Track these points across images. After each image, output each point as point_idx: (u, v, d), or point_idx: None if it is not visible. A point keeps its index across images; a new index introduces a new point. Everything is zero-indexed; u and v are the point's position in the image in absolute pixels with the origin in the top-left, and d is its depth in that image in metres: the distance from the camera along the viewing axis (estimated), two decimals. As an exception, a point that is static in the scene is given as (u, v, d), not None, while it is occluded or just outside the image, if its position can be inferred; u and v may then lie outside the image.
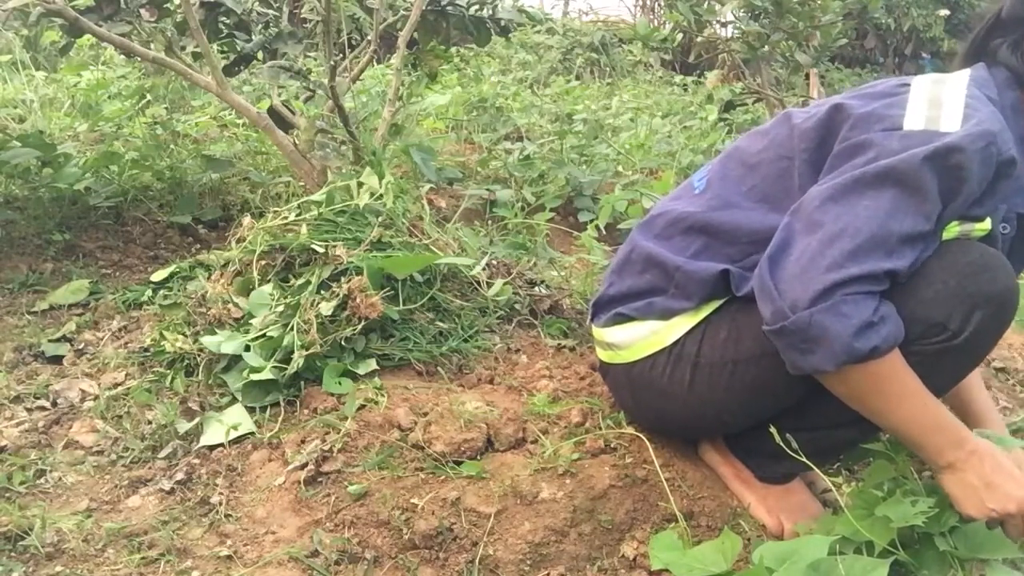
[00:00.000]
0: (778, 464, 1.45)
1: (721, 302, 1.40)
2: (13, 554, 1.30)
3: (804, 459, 1.26)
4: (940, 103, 1.26)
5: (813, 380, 1.28)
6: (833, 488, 1.39)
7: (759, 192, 1.40)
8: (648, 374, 1.46)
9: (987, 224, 1.28)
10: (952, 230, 1.27)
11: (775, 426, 1.34)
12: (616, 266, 1.54)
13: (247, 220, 2.04)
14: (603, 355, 1.58)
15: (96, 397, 1.69)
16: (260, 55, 2.72)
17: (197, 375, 1.72)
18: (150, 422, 1.62)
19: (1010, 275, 1.25)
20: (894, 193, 1.20)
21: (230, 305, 1.82)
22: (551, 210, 2.80)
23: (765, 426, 1.35)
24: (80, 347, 1.88)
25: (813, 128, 1.35)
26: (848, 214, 1.20)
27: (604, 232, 2.61)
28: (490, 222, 2.75)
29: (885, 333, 1.18)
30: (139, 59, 2.99)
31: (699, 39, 4.14)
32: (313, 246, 1.86)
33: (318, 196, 2.02)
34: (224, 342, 1.71)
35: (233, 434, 1.58)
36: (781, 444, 1.27)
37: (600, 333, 1.55)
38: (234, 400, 1.66)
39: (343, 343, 1.72)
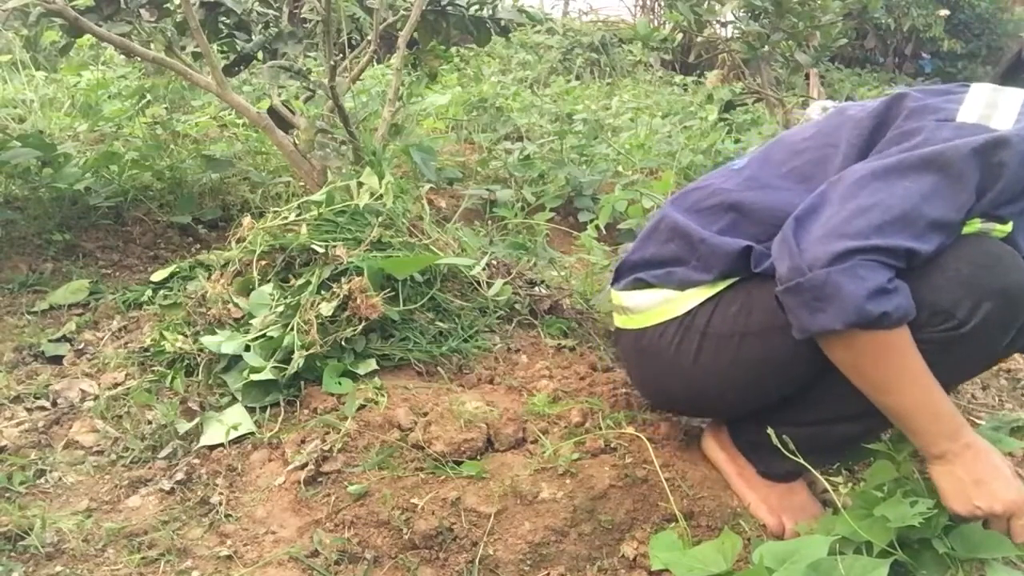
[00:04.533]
0: (781, 461, 1.44)
1: (738, 279, 1.41)
2: (13, 554, 1.30)
3: (802, 460, 1.26)
4: (996, 105, 1.29)
5: (816, 365, 1.29)
6: (833, 489, 1.38)
7: (797, 173, 1.41)
8: (657, 342, 1.47)
9: (1008, 227, 1.28)
10: (973, 226, 1.27)
11: (777, 419, 1.36)
12: (644, 233, 1.57)
13: (247, 220, 2.04)
14: (618, 320, 1.59)
15: (96, 397, 1.69)
16: (260, 55, 2.72)
17: (197, 375, 1.72)
18: (150, 422, 1.62)
19: (1023, 274, 1.24)
20: (935, 178, 1.22)
21: (230, 305, 1.82)
22: (551, 210, 2.80)
23: (768, 418, 1.36)
24: (80, 347, 1.88)
25: (868, 116, 1.38)
26: (884, 191, 1.22)
27: (604, 232, 2.61)
28: (490, 222, 2.75)
29: (897, 302, 1.19)
30: (139, 59, 2.99)
31: (699, 39, 4.14)
32: (313, 246, 1.86)
33: (318, 196, 2.02)
34: (224, 342, 1.71)
35: (233, 434, 1.58)
36: (779, 445, 1.27)
37: (617, 296, 1.57)
38: (234, 400, 1.66)
39: (343, 343, 1.72)
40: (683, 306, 1.44)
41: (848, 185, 1.26)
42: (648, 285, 1.49)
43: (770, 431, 1.29)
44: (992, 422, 1.60)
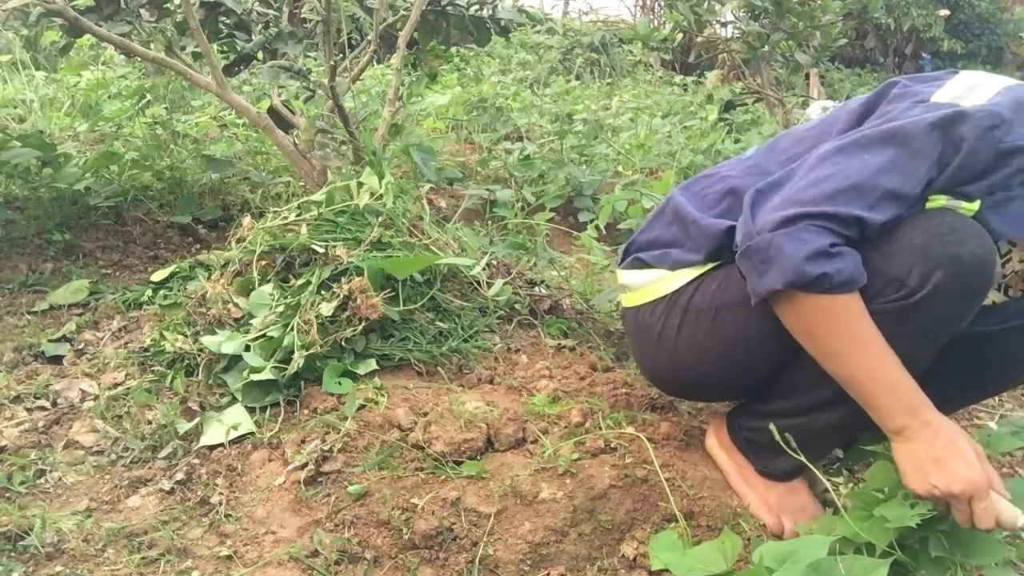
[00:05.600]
0: (779, 459, 1.46)
1: (726, 260, 1.42)
2: (13, 554, 1.30)
3: (802, 457, 1.26)
4: (976, 87, 1.29)
5: (786, 341, 1.29)
6: (833, 488, 1.38)
7: (793, 161, 1.41)
8: (648, 319, 1.51)
9: (975, 205, 1.27)
10: (938, 202, 1.26)
11: (765, 412, 1.39)
12: (652, 215, 1.61)
13: (247, 220, 2.04)
14: (622, 298, 1.63)
15: (96, 397, 1.69)
16: (260, 55, 2.72)
17: (197, 375, 1.72)
18: (150, 422, 1.62)
19: (983, 245, 1.22)
20: (893, 151, 1.23)
21: (230, 305, 1.82)
22: (551, 210, 2.80)
23: (767, 415, 1.38)
24: (80, 347, 1.88)
25: (860, 105, 1.40)
26: (843, 163, 1.24)
27: (604, 232, 2.61)
28: (490, 222, 2.75)
29: (839, 266, 1.19)
30: (139, 59, 2.99)
31: (699, 39, 4.14)
32: (313, 246, 1.86)
33: (318, 196, 2.02)
34: (224, 342, 1.71)
35: (233, 434, 1.58)
36: (780, 440, 1.27)
37: (619, 274, 1.62)
38: (234, 400, 1.66)
39: (343, 343, 1.72)
40: (672, 285, 1.47)
41: (813, 160, 1.29)
42: (645, 265, 1.54)
43: (772, 427, 1.30)
44: (1008, 426, 1.60)
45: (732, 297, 1.38)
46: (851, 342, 1.24)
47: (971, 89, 1.29)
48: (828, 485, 1.38)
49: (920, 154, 1.22)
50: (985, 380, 1.56)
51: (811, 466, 1.32)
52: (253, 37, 2.70)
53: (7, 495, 1.43)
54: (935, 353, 1.31)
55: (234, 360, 1.71)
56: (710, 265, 1.44)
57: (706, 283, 1.43)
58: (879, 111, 1.35)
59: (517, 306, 2.08)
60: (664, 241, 1.52)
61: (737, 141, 4.22)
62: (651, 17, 9.57)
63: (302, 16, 2.92)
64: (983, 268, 1.23)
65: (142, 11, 2.52)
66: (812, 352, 1.28)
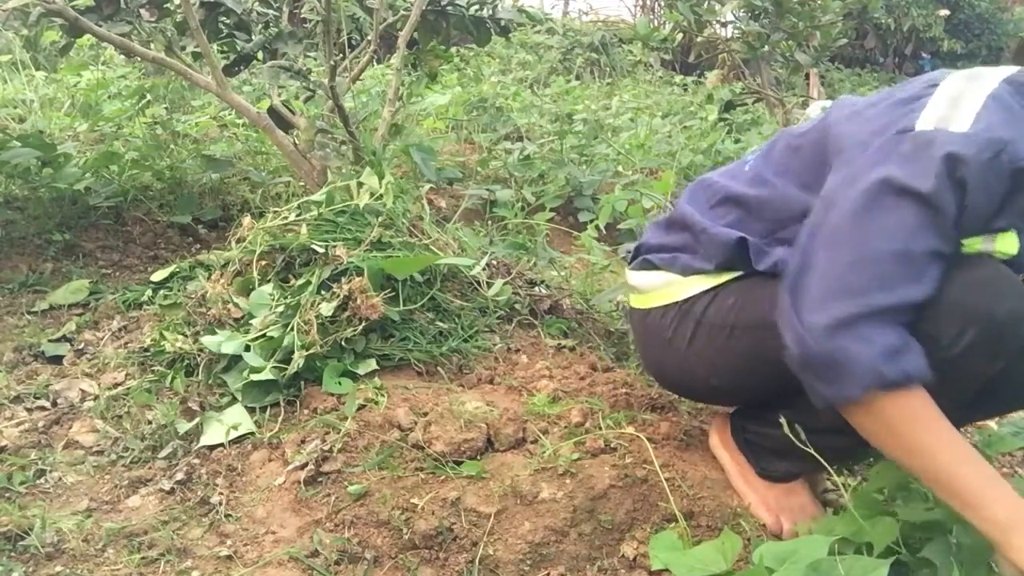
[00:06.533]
0: (779, 461, 1.46)
1: (740, 273, 1.41)
2: (13, 554, 1.30)
3: (808, 451, 1.25)
4: (960, 101, 1.20)
5: None
6: (836, 489, 1.38)
7: (795, 171, 1.39)
8: (658, 323, 1.51)
9: (1013, 237, 1.21)
10: (974, 246, 1.20)
11: (772, 418, 1.34)
12: (660, 221, 1.61)
13: (247, 220, 2.04)
14: (631, 299, 1.63)
15: (96, 397, 1.69)
16: (260, 55, 2.73)
17: (197, 375, 1.72)
18: (150, 422, 1.62)
19: (1018, 301, 1.15)
20: (914, 210, 1.14)
21: (230, 305, 1.82)
22: (551, 210, 2.81)
23: (769, 419, 1.36)
24: (80, 347, 1.88)
25: (846, 118, 1.31)
26: (867, 231, 1.16)
27: (604, 232, 2.61)
28: (490, 222, 2.75)
29: (916, 362, 1.12)
30: (139, 59, 2.99)
31: (699, 39, 4.15)
32: (313, 246, 1.86)
33: (318, 196, 2.02)
34: (224, 342, 1.71)
35: (233, 434, 1.58)
36: (787, 437, 1.26)
37: (628, 274, 1.62)
38: (234, 400, 1.66)
39: (343, 343, 1.72)
40: (684, 292, 1.46)
41: (830, 231, 1.20)
42: (654, 267, 1.54)
43: (782, 420, 1.27)
44: (1008, 426, 1.59)
45: (748, 318, 1.36)
46: (938, 435, 1.15)
47: (954, 106, 1.19)
48: (833, 485, 1.37)
49: (939, 209, 1.13)
50: (993, 404, 1.49)
51: (826, 466, 1.29)
52: (253, 37, 2.70)
53: (7, 495, 1.43)
54: (966, 400, 1.25)
55: (234, 360, 1.71)
56: (725, 276, 1.42)
57: (721, 297, 1.41)
58: (850, 143, 1.24)
59: (517, 306, 2.08)
60: (673, 247, 1.52)
61: (737, 141, 4.22)
62: (651, 17, 9.58)
63: (302, 16, 2.92)
64: (1018, 325, 1.17)
65: (142, 11, 2.53)
66: (897, 456, 1.19)
